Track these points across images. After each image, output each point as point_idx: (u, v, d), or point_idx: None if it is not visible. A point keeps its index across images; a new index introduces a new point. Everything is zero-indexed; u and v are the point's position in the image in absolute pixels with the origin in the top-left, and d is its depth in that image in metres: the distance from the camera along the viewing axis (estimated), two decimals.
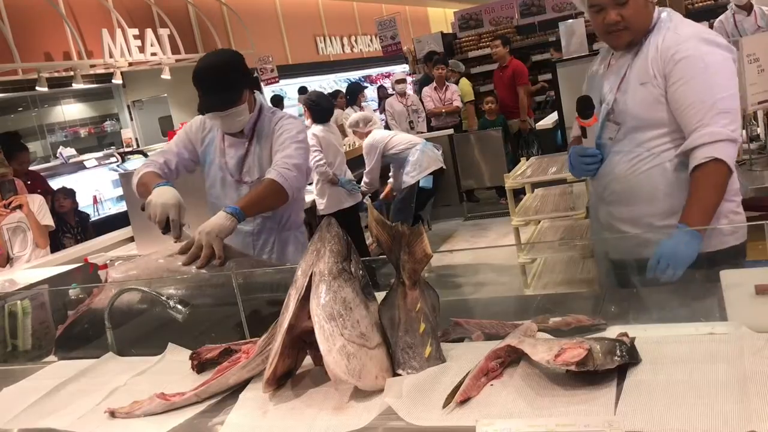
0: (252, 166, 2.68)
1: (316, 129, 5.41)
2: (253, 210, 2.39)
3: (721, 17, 6.44)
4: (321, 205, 5.47)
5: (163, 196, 2.37)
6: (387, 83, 13.11)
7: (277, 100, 10.46)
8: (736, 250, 2.06)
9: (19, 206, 4.16)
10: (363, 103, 10.07)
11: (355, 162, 6.31)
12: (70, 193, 6.04)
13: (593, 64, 2.33)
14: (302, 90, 10.63)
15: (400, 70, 12.14)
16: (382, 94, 11.57)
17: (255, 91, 2.70)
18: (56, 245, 5.18)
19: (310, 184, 5.94)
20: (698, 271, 1.85)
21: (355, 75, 14.61)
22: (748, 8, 6.39)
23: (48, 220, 4.34)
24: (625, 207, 2.17)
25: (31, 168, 6.34)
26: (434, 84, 8.78)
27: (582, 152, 2.20)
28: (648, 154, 2.09)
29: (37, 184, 5.62)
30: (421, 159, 6.05)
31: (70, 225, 5.86)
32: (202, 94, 2.56)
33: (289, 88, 11.74)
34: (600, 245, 2.51)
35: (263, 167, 2.64)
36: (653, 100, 2.06)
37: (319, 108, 5.47)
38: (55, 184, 6.63)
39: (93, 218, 7.05)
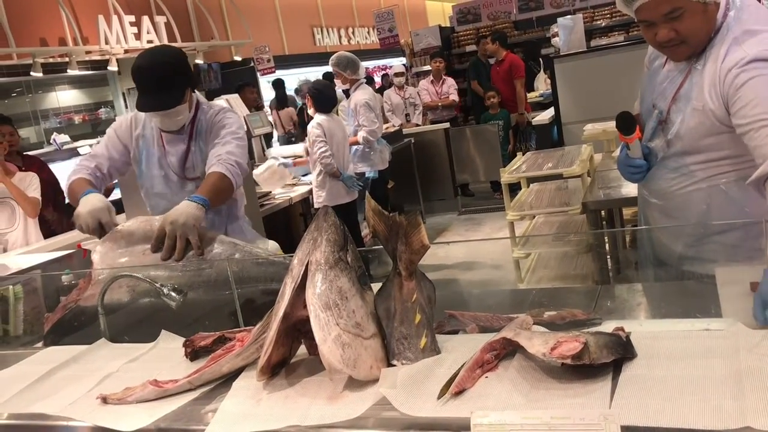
0: (195, 163, 2.65)
1: (320, 118, 5.32)
2: (214, 202, 2.35)
3: None
4: (319, 197, 5.37)
5: (89, 204, 2.34)
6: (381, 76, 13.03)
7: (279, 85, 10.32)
8: None
9: None
10: None
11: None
12: None
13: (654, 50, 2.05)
14: (276, 83, 10.41)
15: (397, 62, 12.11)
16: (387, 83, 11.45)
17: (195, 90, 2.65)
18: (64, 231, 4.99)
19: (305, 175, 5.92)
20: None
21: None
22: None
23: (34, 193, 4.25)
24: (662, 215, 2.10)
25: (26, 153, 6.17)
26: (431, 77, 8.78)
27: (628, 162, 2.08)
28: (691, 176, 1.95)
29: (33, 170, 5.47)
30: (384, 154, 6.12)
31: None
32: (142, 94, 2.51)
33: (285, 78, 11.69)
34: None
35: (206, 163, 2.60)
36: (705, 129, 1.85)
37: (322, 97, 5.39)
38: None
39: None
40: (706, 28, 1.81)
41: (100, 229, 2.34)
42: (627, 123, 1.98)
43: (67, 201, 5.37)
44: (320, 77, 8.65)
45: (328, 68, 6.01)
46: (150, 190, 2.76)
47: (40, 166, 5.38)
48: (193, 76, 2.67)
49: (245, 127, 2.72)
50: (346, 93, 7.26)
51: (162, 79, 2.49)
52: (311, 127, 5.31)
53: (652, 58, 2.09)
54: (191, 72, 2.65)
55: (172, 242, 2.14)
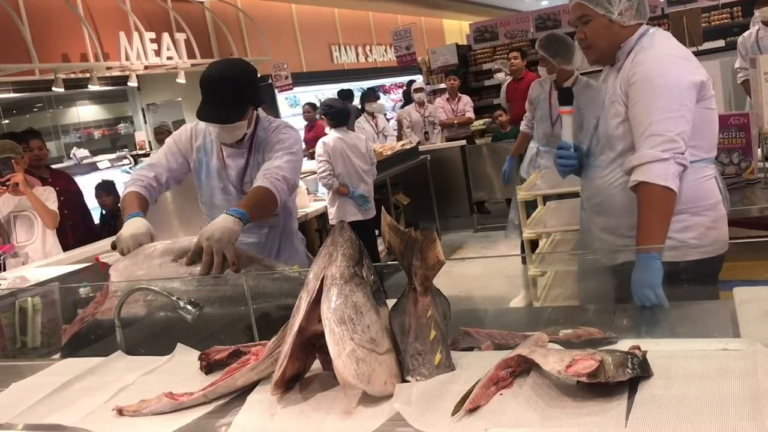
0: (253, 178, 2.64)
1: (329, 137, 5.38)
2: (254, 216, 2.34)
3: (744, 33, 6.39)
4: (331, 214, 5.46)
5: (132, 227, 2.35)
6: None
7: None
8: (700, 264, 2.11)
9: (16, 184, 4.10)
10: (377, 114, 9.72)
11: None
12: (109, 187, 5.89)
13: (602, 76, 2.40)
14: (340, 93, 10.06)
15: (415, 79, 12.13)
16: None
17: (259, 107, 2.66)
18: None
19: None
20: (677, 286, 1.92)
21: (369, 84, 14.66)
22: None
23: (52, 206, 4.28)
24: (602, 217, 2.29)
25: (54, 167, 6.17)
26: (447, 95, 8.79)
27: (558, 145, 2.32)
28: (620, 168, 2.18)
29: (61, 183, 5.47)
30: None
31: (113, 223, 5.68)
32: (206, 103, 2.52)
33: (303, 95, 11.78)
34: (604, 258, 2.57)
35: None
36: (620, 118, 2.15)
37: (334, 111, 5.46)
38: None
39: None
40: (609, 41, 2.20)
41: None
42: (566, 96, 2.31)
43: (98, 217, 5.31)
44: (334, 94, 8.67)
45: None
46: (209, 201, 2.76)
47: (68, 180, 5.44)
48: (259, 94, 2.65)
49: (300, 145, 2.72)
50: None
51: (228, 92, 2.49)
52: (317, 146, 5.41)
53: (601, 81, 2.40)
54: (258, 90, 2.65)
55: (209, 258, 2.12)
